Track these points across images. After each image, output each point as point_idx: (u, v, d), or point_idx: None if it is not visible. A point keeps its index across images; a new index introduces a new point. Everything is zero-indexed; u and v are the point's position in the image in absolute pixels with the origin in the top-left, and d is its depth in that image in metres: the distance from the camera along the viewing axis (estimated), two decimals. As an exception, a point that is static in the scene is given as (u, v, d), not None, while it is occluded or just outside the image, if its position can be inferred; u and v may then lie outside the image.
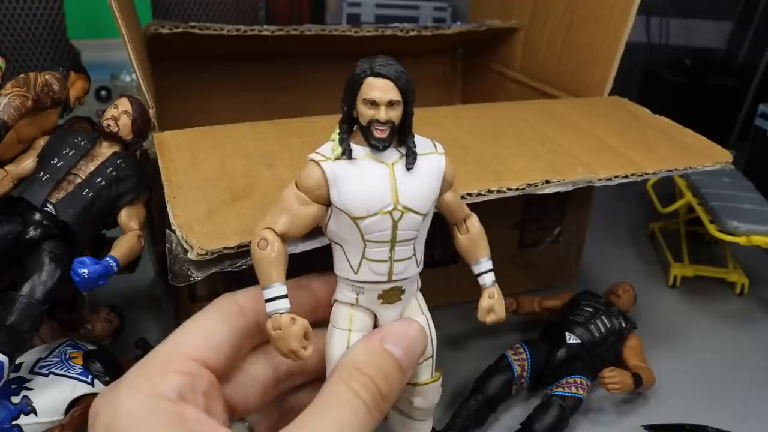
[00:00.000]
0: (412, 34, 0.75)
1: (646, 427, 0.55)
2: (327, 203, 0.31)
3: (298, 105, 0.66)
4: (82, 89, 0.55)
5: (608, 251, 0.84)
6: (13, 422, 0.44)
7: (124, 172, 0.48)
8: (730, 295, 0.77)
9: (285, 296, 0.30)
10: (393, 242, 0.32)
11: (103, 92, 0.99)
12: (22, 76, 0.48)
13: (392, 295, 0.33)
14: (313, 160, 0.31)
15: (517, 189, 0.47)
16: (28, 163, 0.48)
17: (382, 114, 0.30)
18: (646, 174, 0.51)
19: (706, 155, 0.55)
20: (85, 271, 0.42)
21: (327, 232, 0.33)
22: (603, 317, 0.60)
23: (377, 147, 0.31)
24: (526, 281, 0.73)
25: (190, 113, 0.67)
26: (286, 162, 0.47)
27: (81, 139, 0.49)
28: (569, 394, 0.54)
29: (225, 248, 0.38)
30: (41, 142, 0.49)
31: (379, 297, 0.33)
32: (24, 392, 0.45)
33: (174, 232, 0.40)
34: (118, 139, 0.49)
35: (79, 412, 0.46)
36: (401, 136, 0.32)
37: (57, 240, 0.45)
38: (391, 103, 0.30)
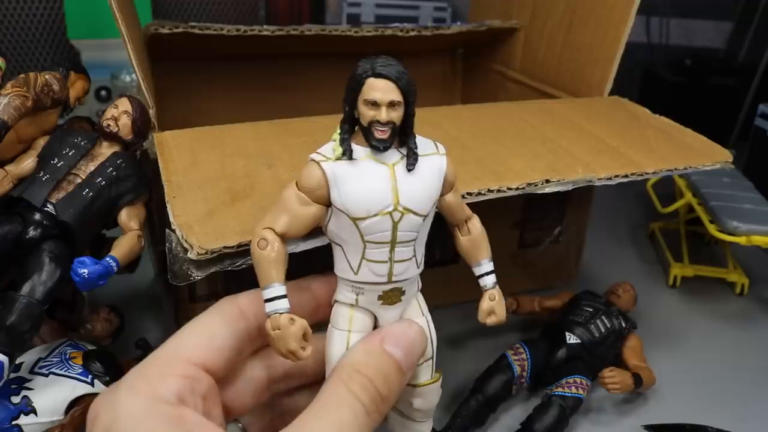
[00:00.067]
0: (412, 34, 0.75)
1: (646, 427, 0.55)
2: (327, 204, 0.31)
3: (298, 105, 0.66)
4: (82, 89, 0.55)
5: (608, 251, 0.84)
6: (13, 422, 0.44)
7: (124, 172, 0.48)
8: (730, 295, 0.77)
9: (284, 296, 0.30)
10: (393, 243, 0.32)
11: (103, 92, 0.99)
12: (22, 76, 0.48)
13: (392, 296, 0.33)
14: (313, 161, 0.31)
15: (517, 189, 0.47)
16: (28, 163, 0.48)
17: (383, 115, 0.30)
18: (646, 174, 0.51)
19: (706, 155, 0.55)
20: (85, 271, 0.42)
21: (327, 232, 0.33)
22: (603, 317, 0.60)
23: (378, 148, 0.31)
24: (526, 281, 0.73)
25: (190, 113, 0.67)
26: (286, 162, 0.47)
27: (81, 139, 0.49)
28: (569, 394, 0.54)
29: (225, 248, 0.38)
30: (41, 142, 0.49)
31: (379, 298, 0.33)
32: (24, 392, 0.45)
33: (174, 231, 0.40)
34: (118, 139, 0.49)
35: (79, 412, 0.46)
36: (402, 136, 0.32)
37: (57, 240, 0.45)
38: (392, 104, 0.30)
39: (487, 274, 0.36)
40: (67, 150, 0.48)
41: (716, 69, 1.22)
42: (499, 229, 0.68)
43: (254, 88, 0.80)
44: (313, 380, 0.35)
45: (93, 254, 0.46)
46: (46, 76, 0.50)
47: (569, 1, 0.73)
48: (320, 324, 0.34)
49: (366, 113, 0.30)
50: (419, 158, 0.32)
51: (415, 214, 0.32)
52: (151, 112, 0.52)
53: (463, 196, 0.43)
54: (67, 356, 0.49)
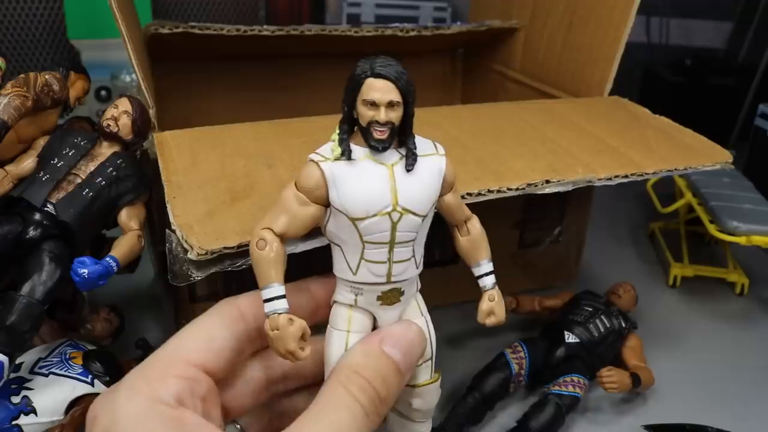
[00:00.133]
0: (412, 34, 0.75)
1: (646, 427, 0.55)
2: (326, 204, 0.31)
3: (298, 105, 0.66)
4: (82, 89, 0.55)
5: (608, 251, 0.84)
6: (13, 422, 0.44)
7: (124, 172, 0.48)
8: (730, 295, 0.77)
9: (283, 296, 0.30)
10: (392, 244, 0.32)
11: (103, 92, 0.99)
12: (22, 76, 0.48)
13: (391, 296, 0.33)
14: (312, 161, 0.31)
15: (517, 189, 0.47)
16: (28, 163, 0.48)
17: (382, 115, 0.30)
18: (646, 174, 0.51)
19: (706, 155, 0.55)
20: (85, 271, 0.42)
21: (326, 232, 0.33)
22: (602, 317, 0.60)
23: (377, 148, 0.31)
24: (526, 281, 0.73)
25: (190, 113, 0.67)
26: (286, 162, 0.47)
27: (81, 139, 0.49)
28: (566, 393, 0.54)
29: (225, 248, 0.38)
30: (41, 142, 0.49)
31: (378, 298, 0.33)
32: (24, 392, 0.45)
33: (174, 232, 0.40)
34: (118, 139, 0.49)
35: (79, 412, 0.46)
36: (401, 137, 0.32)
37: (57, 240, 0.45)
38: (391, 104, 0.30)
39: (487, 274, 0.36)
40: (67, 150, 0.48)
41: (716, 69, 1.22)
42: (499, 229, 0.68)
43: (254, 88, 0.80)
44: (311, 382, 0.35)
45: (93, 254, 0.46)
46: (46, 76, 0.50)
47: (569, 1, 0.73)
48: (319, 326, 0.34)
49: (365, 113, 0.30)
50: (418, 158, 0.32)
51: (414, 214, 0.32)
52: (151, 112, 0.52)
53: (463, 197, 0.43)
54: (67, 356, 0.49)
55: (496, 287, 0.36)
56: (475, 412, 0.54)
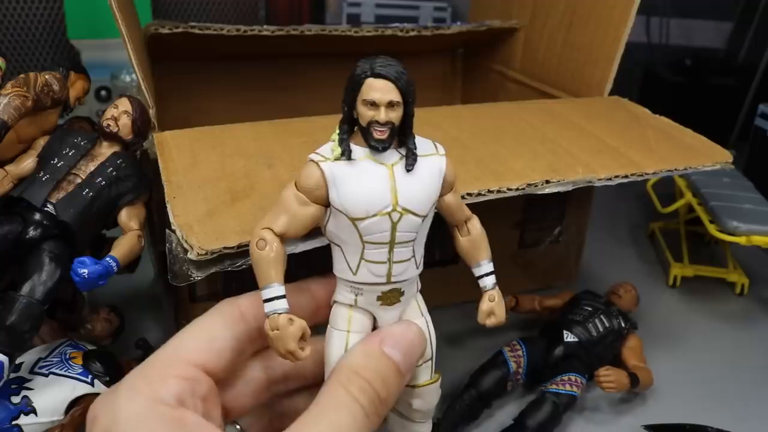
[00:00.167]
0: (412, 34, 0.75)
1: (646, 427, 0.55)
2: (326, 204, 0.31)
3: (298, 105, 0.66)
4: (82, 89, 0.55)
5: (608, 251, 0.84)
6: (13, 422, 0.44)
7: (124, 172, 0.48)
8: (730, 295, 0.77)
9: (283, 296, 0.30)
10: (392, 244, 0.32)
11: (103, 92, 0.99)
12: (22, 76, 0.48)
13: (391, 296, 0.33)
14: (312, 161, 0.31)
15: (517, 189, 0.47)
16: (28, 163, 0.48)
17: (382, 115, 0.30)
18: (646, 174, 0.51)
19: (706, 155, 0.55)
20: (85, 271, 0.42)
21: (326, 232, 0.33)
22: (602, 316, 0.60)
23: (376, 148, 0.31)
24: (526, 281, 0.73)
25: (190, 113, 0.67)
26: (286, 162, 0.47)
27: (81, 139, 0.49)
28: (563, 391, 0.54)
29: (225, 248, 0.38)
30: (41, 142, 0.49)
31: (378, 298, 0.33)
32: (24, 392, 0.45)
33: (174, 232, 0.40)
34: (118, 139, 0.49)
35: (79, 412, 0.46)
36: (401, 137, 0.32)
37: (57, 240, 0.45)
38: (391, 104, 0.30)
39: (487, 275, 0.36)
40: (67, 150, 0.48)
41: (716, 69, 1.22)
42: (499, 229, 0.68)
43: (254, 88, 0.80)
44: (312, 382, 0.35)
45: (93, 254, 0.46)
46: (46, 76, 0.50)
47: (569, 1, 0.73)
48: (320, 326, 0.34)
49: (365, 113, 0.30)
50: (418, 159, 0.32)
51: (414, 214, 0.32)
52: (151, 112, 0.52)
53: (463, 197, 0.43)
54: (67, 356, 0.49)
55: (497, 288, 0.36)
56: (471, 410, 0.54)
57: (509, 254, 0.71)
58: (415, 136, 0.32)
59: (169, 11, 1.22)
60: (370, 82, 0.30)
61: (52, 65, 0.53)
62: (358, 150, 0.31)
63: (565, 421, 0.54)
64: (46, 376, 0.47)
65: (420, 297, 0.35)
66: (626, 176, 0.51)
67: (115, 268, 0.44)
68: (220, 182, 0.44)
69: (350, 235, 0.31)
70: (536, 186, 0.48)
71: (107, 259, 0.44)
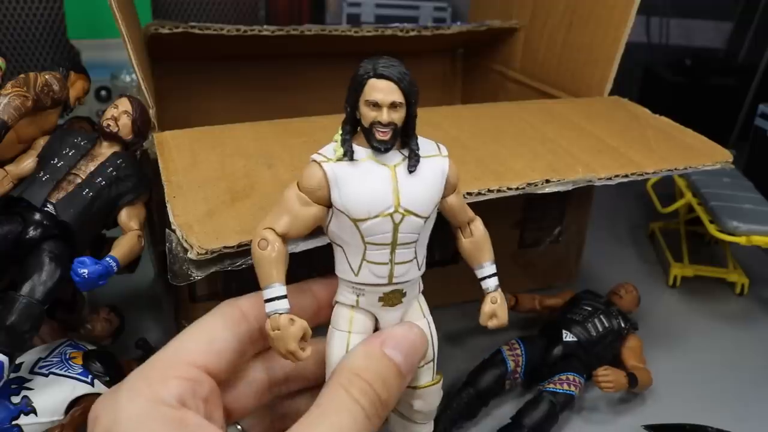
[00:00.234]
0: (412, 34, 0.75)
1: (646, 427, 0.55)
2: (328, 204, 0.31)
3: (298, 105, 0.66)
4: (82, 89, 0.55)
5: (608, 251, 0.84)
6: (13, 422, 0.44)
7: (124, 172, 0.48)
8: (730, 295, 0.77)
9: (284, 297, 0.30)
10: (394, 245, 0.31)
11: (103, 92, 0.99)
12: (22, 76, 0.48)
13: (393, 297, 0.33)
14: (314, 161, 0.31)
15: (517, 189, 0.47)
16: (28, 163, 0.48)
17: (385, 116, 0.30)
18: (646, 174, 0.51)
19: (706, 155, 0.55)
20: (85, 271, 0.42)
21: (328, 233, 0.33)
22: (602, 316, 0.60)
23: (379, 149, 0.31)
24: (526, 281, 0.73)
25: (190, 113, 0.67)
26: (286, 162, 0.47)
27: (81, 139, 0.49)
28: (560, 391, 0.54)
29: (225, 248, 0.38)
30: (41, 142, 0.49)
31: (380, 299, 0.33)
32: (24, 392, 0.45)
33: (174, 231, 0.40)
34: (118, 139, 0.49)
35: (79, 412, 0.46)
36: (404, 138, 0.32)
37: (57, 240, 0.45)
38: (393, 105, 0.30)
39: (490, 276, 0.36)
40: (67, 150, 0.48)
41: (716, 69, 1.22)
42: (499, 229, 0.68)
43: (254, 88, 0.80)
44: (313, 383, 0.35)
45: (93, 254, 0.46)
46: (46, 76, 0.50)
47: (569, 1, 0.73)
48: (321, 327, 0.34)
49: (367, 114, 0.30)
50: (421, 160, 0.32)
51: (416, 215, 0.31)
52: (151, 112, 0.52)
53: (463, 196, 0.43)
54: (67, 356, 0.49)
55: (499, 289, 0.36)
56: (469, 408, 0.54)
57: (509, 254, 0.71)
58: (418, 137, 0.32)
59: (169, 11, 1.22)
60: (373, 82, 0.30)
61: (52, 65, 0.53)
62: (361, 151, 0.31)
63: (563, 420, 0.54)
64: (46, 376, 0.47)
65: (422, 298, 0.35)
66: (626, 176, 0.51)
67: (115, 268, 0.44)
68: (220, 182, 0.44)
69: (352, 236, 0.31)
70: (536, 186, 0.48)
71: (107, 259, 0.44)
